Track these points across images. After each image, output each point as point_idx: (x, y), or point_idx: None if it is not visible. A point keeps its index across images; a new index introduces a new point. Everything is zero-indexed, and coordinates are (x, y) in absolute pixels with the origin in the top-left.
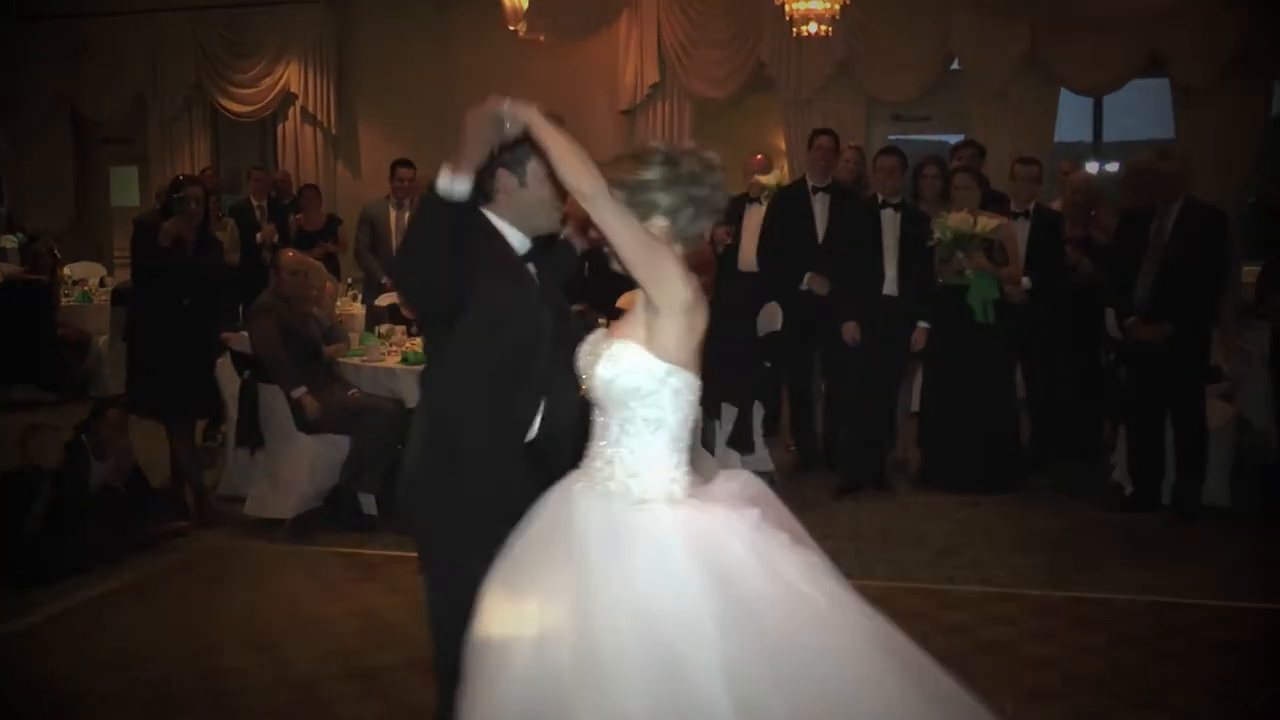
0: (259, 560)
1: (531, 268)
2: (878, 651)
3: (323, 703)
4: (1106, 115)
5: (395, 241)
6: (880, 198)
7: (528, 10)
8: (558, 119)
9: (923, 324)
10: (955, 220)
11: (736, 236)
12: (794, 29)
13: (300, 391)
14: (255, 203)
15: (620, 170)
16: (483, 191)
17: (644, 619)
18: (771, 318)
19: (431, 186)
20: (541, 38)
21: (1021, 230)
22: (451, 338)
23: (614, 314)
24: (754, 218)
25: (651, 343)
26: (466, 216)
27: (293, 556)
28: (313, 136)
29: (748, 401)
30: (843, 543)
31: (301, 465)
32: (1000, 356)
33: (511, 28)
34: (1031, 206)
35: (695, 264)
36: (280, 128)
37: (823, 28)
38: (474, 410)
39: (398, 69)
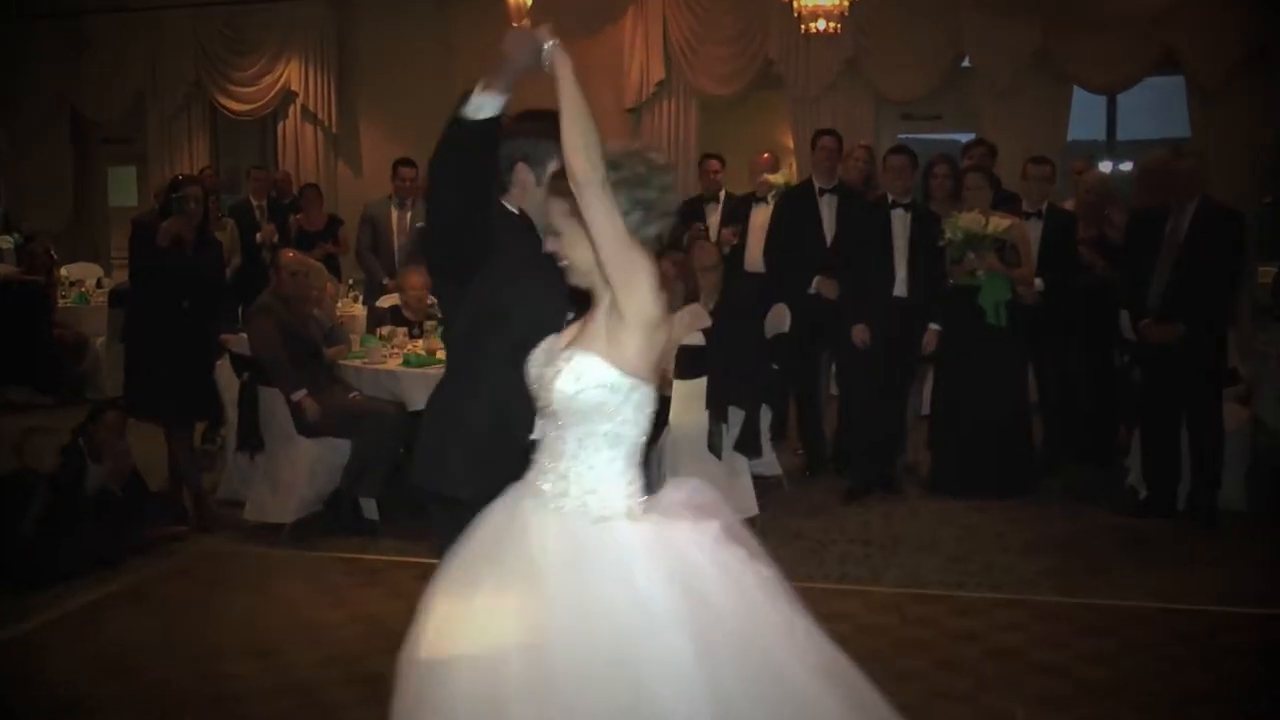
0: (259, 565)
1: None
2: (822, 674)
3: (324, 709)
4: (1120, 114)
5: (397, 242)
6: (890, 198)
7: (531, 6)
8: None
9: (934, 326)
10: (966, 220)
11: (742, 237)
12: (802, 26)
13: (300, 394)
14: (255, 202)
15: (564, 180)
16: (500, 182)
17: (606, 635)
18: (779, 319)
19: (458, 107)
20: None
21: (1034, 230)
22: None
23: None
24: (760, 218)
25: (613, 354)
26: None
27: (293, 561)
28: (313, 135)
29: (755, 404)
30: (851, 548)
31: (302, 469)
32: (1012, 358)
33: (515, 25)
34: (1044, 206)
35: (700, 264)
36: (280, 126)
37: (831, 25)
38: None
39: (399, 66)
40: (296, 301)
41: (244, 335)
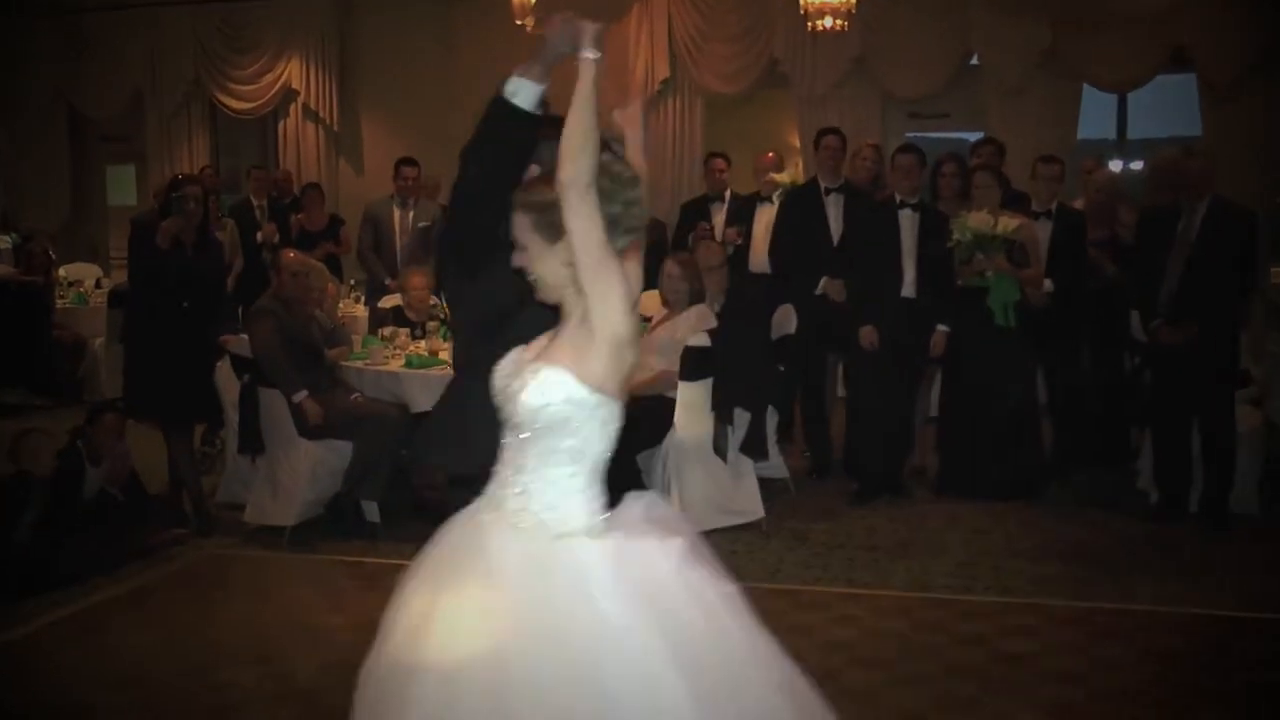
0: (259, 569)
1: None
2: (782, 692)
3: (326, 715)
4: (1131, 112)
5: (399, 242)
6: (898, 197)
7: (535, 4)
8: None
9: (942, 327)
10: (975, 220)
11: (747, 237)
12: (808, 23)
13: (301, 396)
14: (255, 202)
15: (529, 193)
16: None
17: (567, 651)
18: (786, 320)
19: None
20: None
21: (1043, 231)
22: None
23: None
24: (765, 217)
25: (581, 370)
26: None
27: (294, 565)
28: (314, 134)
29: (761, 406)
30: (858, 551)
31: (303, 471)
32: (1021, 360)
33: (518, 22)
34: (1054, 206)
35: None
36: (281, 125)
37: (838, 22)
38: None
39: (401, 64)
40: (297, 302)
41: (244, 336)
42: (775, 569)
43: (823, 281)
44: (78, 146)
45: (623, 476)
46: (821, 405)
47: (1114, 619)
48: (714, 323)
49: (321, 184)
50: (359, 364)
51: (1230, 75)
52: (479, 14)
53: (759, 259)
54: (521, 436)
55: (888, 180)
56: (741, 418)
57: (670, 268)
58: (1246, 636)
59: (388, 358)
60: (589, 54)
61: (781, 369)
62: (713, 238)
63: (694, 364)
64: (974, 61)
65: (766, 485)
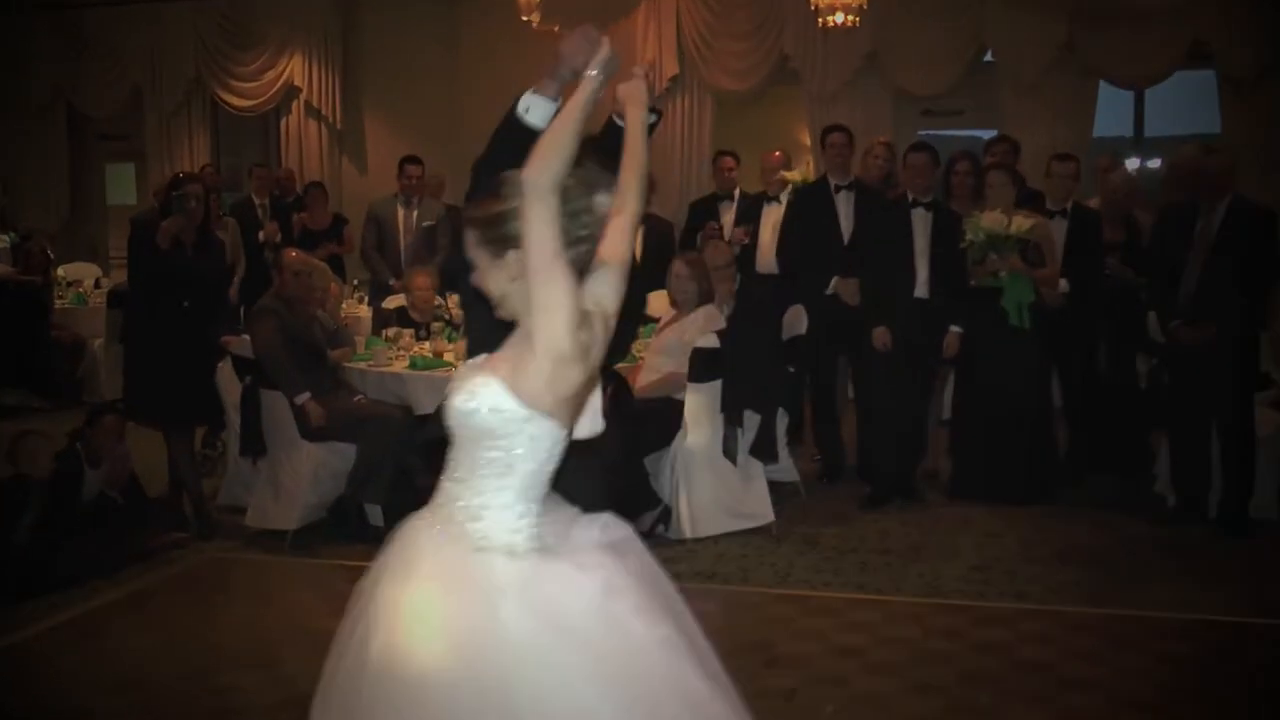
0: (261, 573)
1: None
2: None
3: None
4: (1148, 109)
5: (403, 241)
6: (910, 196)
7: (541, 2)
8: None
9: (954, 328)
10: (989, 220)
11: (754, 237)
12: (819, 19)
13: (304, 397)
14: (257, 201)
15: (475, 209)
16: None
17: (474, 665)
18: (796, 321)
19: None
20: (556, 29)
21: (1058, 230)
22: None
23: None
24: (772, 217)
25: (515, 382)
26: None
27: (296, 569)
28: (317, 131)
29: (771, 408)
30: (870, 556)
31: (305, 474)
32: (1036, 361)
33: (524, 19)
34: (1069, 205)
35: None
36: (283, 122)
37: (849, 18)
38: None
39: (405, 61)
40: (300, 302)
41: (246, 337)
42: (785, 573)
43: (834, 281)
44: (77, 144)
45: (631, 479)
46: (832, 407)
47: (1131, 625)
48: (723, 324)
49: (324, 182)
50: (362, 365)
51: (1251, 71)
52: (483, 10)
53: (766, 259)
54: (456, 443)
55: (900, 179)
56: (751, 420)
57: (678, 268)
58: (1266, 643)
59: (391, 359)
60: (595, 72)
61: (792, 370)
62: (721, 237)
63: (703, 365)
64: (988, 57)
65: (776, 488)
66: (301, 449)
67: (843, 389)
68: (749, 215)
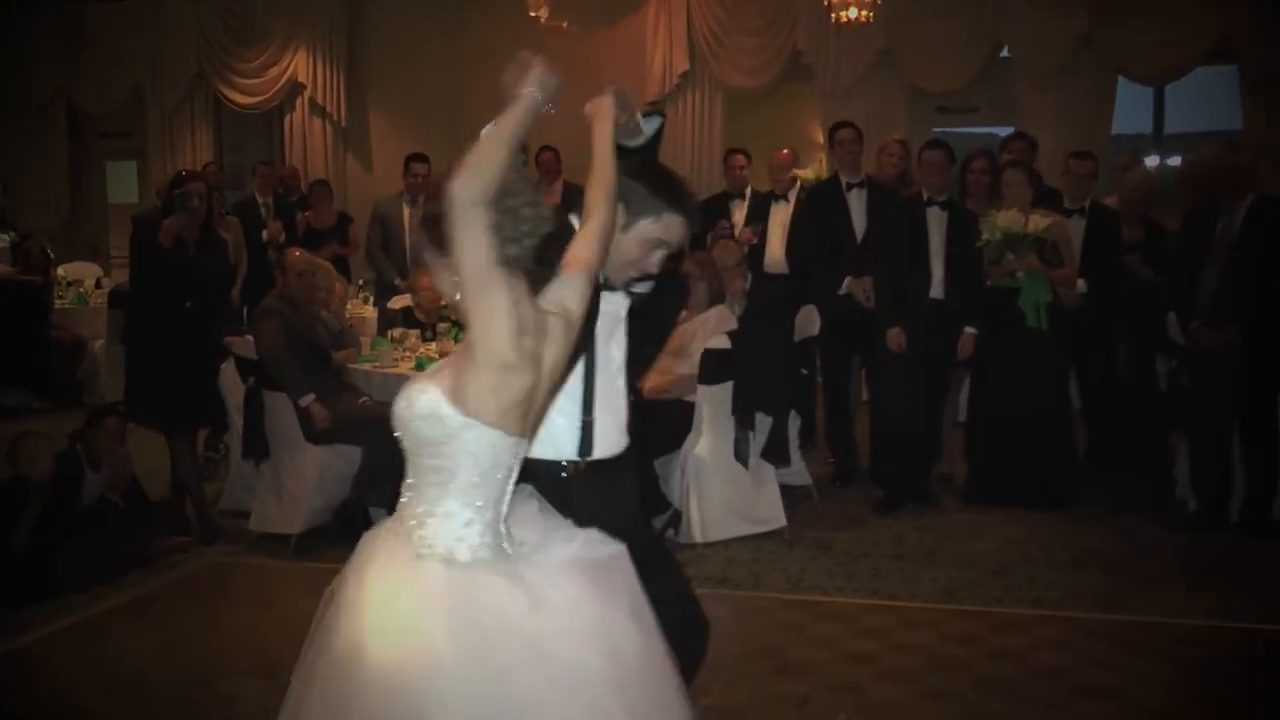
0: (264, 578)
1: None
2: None
3: None
4: (1168, 105)
5: (409, 241)
6: (925, 195)
7: None
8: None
9: (970, 329)
10: (1005, 219)
11: (762, 236)
12: (832, 15)
13: (308, 399)
14: (261, 199)
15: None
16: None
17: (394, 675)
18: (809, 322)
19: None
20: (564, 24)
21: (1076, 229)
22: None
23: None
24: (780, 216)
25: (457, 390)
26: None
27: (300, 574)
28: (321, 129)
29: (783, 410)
30: (884, 561)
31: (309, 477)
32: (1053, 363)
33: (533, 14)
34: (1087, 204)
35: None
36: (287, 120)
37: (863, 13)
38: None
39: (411, 57)
40: (304, 303)
41: (249, 338)
42: (797, 579)
43: (847, 281)
44: (77, 143)
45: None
46: (846, 409)
47: (1149, 632)
48: (734, 324)
49: (329, 181)
50: (367, 366)
51: (1274, 67)
52: (491, 4)
53: (774, 259)
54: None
55: (914, 177)
56: (763, 422)
57: (689, 267)
58: None
59: (397, 360)
60: (531, 89)
61: (804, 372)
62: (732, 236)
63: (714, 367)
64: (1004, 53)
65: (789, 492)
66: (306, 452)
67: (856, 391)
68: (761, 214)
